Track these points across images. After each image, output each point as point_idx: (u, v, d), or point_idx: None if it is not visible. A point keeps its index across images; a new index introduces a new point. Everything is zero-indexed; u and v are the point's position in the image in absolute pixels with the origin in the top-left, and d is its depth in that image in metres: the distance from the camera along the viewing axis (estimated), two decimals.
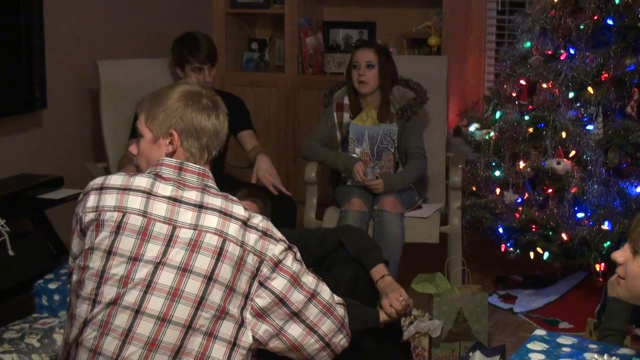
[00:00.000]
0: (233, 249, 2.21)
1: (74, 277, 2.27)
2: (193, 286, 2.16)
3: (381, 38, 5.42)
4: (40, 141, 4.32)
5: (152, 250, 2.19)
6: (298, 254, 2.32)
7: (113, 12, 4.74)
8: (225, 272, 2.19)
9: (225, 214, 2.24)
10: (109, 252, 2.19)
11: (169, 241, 2.19)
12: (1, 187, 3.84)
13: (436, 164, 4.55)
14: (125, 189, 2.25)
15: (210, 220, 2.22)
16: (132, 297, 2.15)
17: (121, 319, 2.15)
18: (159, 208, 2.22)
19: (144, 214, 2.21)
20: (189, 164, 2.30)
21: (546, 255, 3.95)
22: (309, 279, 2.32)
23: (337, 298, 2.40)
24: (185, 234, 2.20)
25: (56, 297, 3.37)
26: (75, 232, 2.29)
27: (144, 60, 4.61)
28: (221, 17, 5.60)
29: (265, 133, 5.37)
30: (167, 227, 2.20)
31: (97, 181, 2.29)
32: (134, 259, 2.18)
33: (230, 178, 4.35)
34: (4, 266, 3.50)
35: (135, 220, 2.21)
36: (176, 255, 2.18)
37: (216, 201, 2.26)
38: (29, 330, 3.06)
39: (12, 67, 4.05)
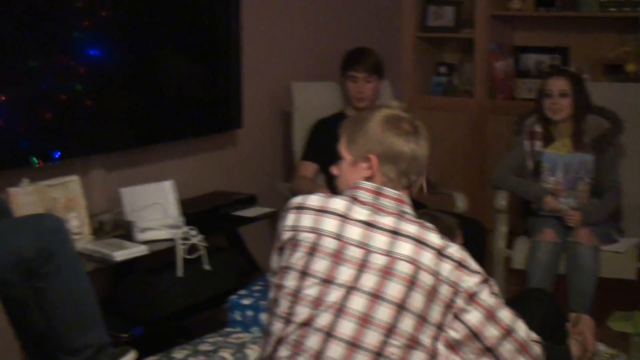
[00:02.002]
0: (426, 278, 2.17)
1: (271, 294, 2.31)
2: (384, 313, 2.14)
3: (574, 64, 5.29)
4: (234, 160, 4.46)
5: (345, 273, 2.19)
6: (495, 287, 2.25)
7: (306, 36, 4.85)
8: (417, 301, 2.16)
9: (419, 242, 2.21)
10: (303, 273, 2.21)
11: (362, 266, 2.19)
12: (198, 204, 3.98)
13: (633, 196, 4.37)
14: (322, 211, 2.26)
15: (404, 248, 2.20)
16: (324, 319, 2.16)
17: (313, 341, 2.16)
18: (353, 232, 2.22)
19: (338, 237, 2.22)
20: (387, 188, 2.29)
21: None
22: (506, 314, 2.25)
23: (533, 335, 2.33)
24: (378, 260, 2.19)
25: (249, 312, 3.46)
26: (275, 248, 2.34)
27: (334, 83, 4.68)
28: (410, 41, 5.62)
29: (451, 158, 5.34)
30: (360, 251, 2.20)
31: (297, 200, 2.32)
32: (327, 281, 2.19)
33: (416, 202, 4.32)
34: (200, 280, 3.63)
35: (329, 243, 2.22)
36: (368, 280, 2.17)
37: (411, 228, 2.23)
38: (223, 344, 3.15)
39: (211, 88, 4.22)
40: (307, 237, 2.24)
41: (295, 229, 2.27)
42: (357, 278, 2.17)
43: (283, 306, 2.22)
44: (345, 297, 2.16)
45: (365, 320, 2.14)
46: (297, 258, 2.23)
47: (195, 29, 4.10)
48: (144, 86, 3.89)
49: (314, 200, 2.30)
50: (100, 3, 3.62)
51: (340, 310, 2.15)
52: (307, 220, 2.26)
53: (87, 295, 2.51)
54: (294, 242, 2.25)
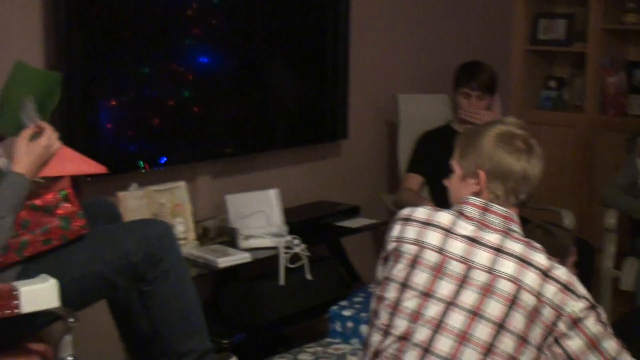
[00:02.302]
0: (528, 299, 2.12)
1: (372, 305, 2.30)
2: (482, 331, 2.10)
3: None
4: (339, 170, 4.46)
5: (445, 288, 2.16)
6: (603, 315, 2.17)
7: (414, 47, 4.82)
8: (517, 321, 2.10)
9: (523, 261, 2.15)
10: (404, 285, 2.20)
11: (462, 281, 2.15)
12: (302, 213, 3.99)
13: None
14: (426, 224, 2.24)
15: (506, 266, 2.15)
16: (422, 334, 2.13)
17: (411, 356, 2.13)
18: (456, 246, 2.19)
19: (440, 250, 2.19)
20: (495, 205, 2.25)
21: None
22: (611, 345, 2.16)
23: None
24: (479, 277, 2.15)
25: (349, 324, 3.44)
26: (380, 259, 2.33)
27: (441, 95, 4.63)
28: (520, 54, 5.53)
29: (559, 174, 5.22)
30: (461, 266, 2.17)
31: (405, 211, 2.31)
32: (426, 295, 2.16)
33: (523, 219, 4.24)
34: (301, 289, 3.64)
35: (430, 256, 2.19)
36: (468, 297, 2.14)
37: (516, 247, 2.18)
38: (323, 354, 3.14)
39: (318, 98, 4.23)
40: (409, 249, 2.23)
41: (400, 240, 2.26)
42: (456, 293, 2.15)
43: (382, 318, 2.21)
44: (444, 313, 2.14)
45: (463, 337, 2.11)
46: (399, 270, 2.22)
47: (304, 38, 4.12)
48: (251, 94, 3.93)
49: (420, 212, 2.28)
50: (210, 11, 3.67)
51: (438, 326, 2.13)
52: (411, 232, 2.25)
53: (192, 301, 2.53)
54: (397, 254, 2.24)
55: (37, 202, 2.35)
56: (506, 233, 2.21)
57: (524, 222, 3.89)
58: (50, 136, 2.31)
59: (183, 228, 3.43)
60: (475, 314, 2.12)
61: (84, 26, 3.17)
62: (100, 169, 2.48)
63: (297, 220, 3.81)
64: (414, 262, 2.20)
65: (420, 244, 2.21)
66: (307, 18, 4.12)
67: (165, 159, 3.53)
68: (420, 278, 2.18)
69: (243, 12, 3.82)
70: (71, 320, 2.26)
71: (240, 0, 3.80)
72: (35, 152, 2.27)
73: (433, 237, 2.21)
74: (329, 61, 4.21)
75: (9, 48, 3.11)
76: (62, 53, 3.14)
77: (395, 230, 2.29)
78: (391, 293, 2.21)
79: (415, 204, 3.74)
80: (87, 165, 2.46)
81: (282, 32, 4.00)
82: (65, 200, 2.38)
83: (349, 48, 4.25)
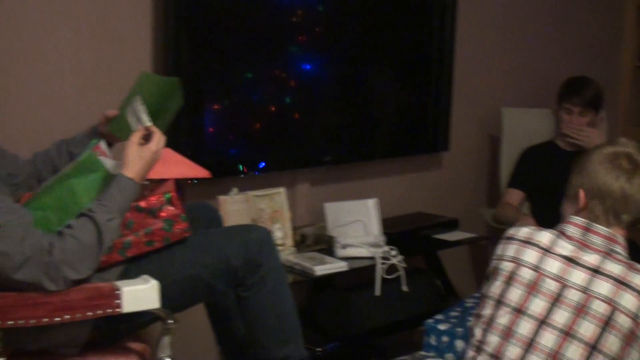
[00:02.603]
0: (623, 321, 2.09)
1: (469, 323, 2.29)
2: (574, 352, 2.08)
3: None
4: (438, 182, 4.42)
5: (537, 305, 2.16)
6: None
7: (519, 60, 4.75)
8: (612, 343, 2.08)
9: (620, 283, 2.11)
10: (499, 302, 2.22)
11: (556, 300, 2.14)
12: (400, 224, 3.97)
13: None
14: (526, 242, 2.25)
15: (602, 287, 2.12)
16: (513, 353, 2.14)
17: None
18: (552, 265, 2.19)
19: (536, 268, 2.19)
20: (598, 225, 2.22)
21: None
22: None
23: None
24: (573, 296, 2.13)
25: (444, 338, 3.39)
26: (485, 277, 2.36)
27: (546, 110, 4.55)
28: (629, 70, 5.40)
29: None
30: (555, 284, 2.16)
31: (510, 231, 2.33)
32: (518, 311, 2.17)
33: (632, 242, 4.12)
34: (397, 300, 3.62)
35: (525, 273, 2.20)
36: (560, 316, 2.12)
37: (615, 268, 2.14)
38: None
39: (420, 109, 4.20)
40: (507, 266, 2.25)
41: (500, 258, 2.29)
42: (549, 311, 2.15)
43: (477, 334, 2.24)
44: (536, 332, 2.14)
45: (554, 357, 2.11)
46: (496, 287, 2.25)
47: (409, 49, 4.10)
48: (352, 103, 3.92)
49: (522, 232, 2.29)
50: (315, 19, 3.68)
51: (530, 345, 2.13)
52: (510, 250, 2.27)
53: (289, 307, 2.54)
54: (496, 271, 2.27)
55: (142, 204, 2.39)
56: (607, 254, 2.18)
57: (634, 245, 3.80)
58: (159, 141, 2.35)
59: (281, 234, 3.45)
60: (567, 334, 2.11)
61: (192, 31, 3.22)
62: (205, 174, 2.51)
63: (394, 231, 3.79)
64: (510, 279, 2.22)
65: (517, 262, 2.23)
66: (412, 29, 4.10)
67: (264, 164, 3.55)
68: (515, 294, 2.20)
69: (348, 21, 3.83)
70: (170, 321, 2.29)
71: (345, 9, 3.81)
72: (145, 157, 2.31)
73: (530, 255, 2.22)
74: (434, 72, 4.18)
75: (120, 51, 3.19)
76: (170, 57, 3.19)
77: (499, 249, 2.32)
78: (487, 310, 2.24)
79: (515, 219, 3.73)
80: (191, 169, 2.50)
81: (387, 42, 3.98)
82: (169, 203, 2.41)
83: (454, 59, 4.22)
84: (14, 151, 2.55)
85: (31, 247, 2.12)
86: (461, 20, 4.23)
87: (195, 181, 2.66)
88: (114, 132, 2.50)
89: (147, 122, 2.35)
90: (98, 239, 2.21)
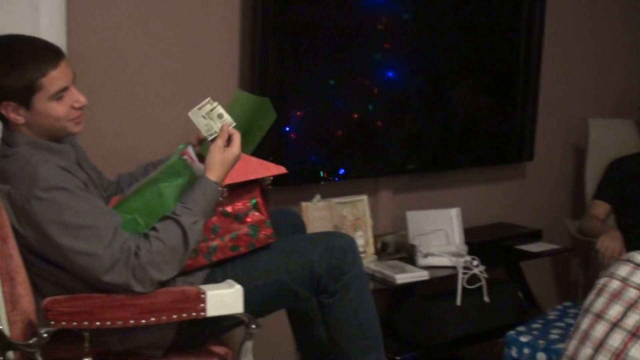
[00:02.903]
0: None
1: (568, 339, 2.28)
2: (637, 351, 2.05)
3: None
4: (522, 192, 4.37)
5: (614, 310, 2.13)
6: None
7: (606, 71, 4.68)
8: None
9: None
10: (597, 316, 2.18)
11: (632, 305, 2.10)
12: (482, 234, 3.93)
13: None
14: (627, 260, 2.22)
15: None
16: (584, 355, 2.13)
17: None
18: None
19: (624, 280, 2.15)
20: None
21: None
22: None
23: None
24: None
25: (526, 350, 3.35)
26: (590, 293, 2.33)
27: (634, 121, 4.46)
28: None
29: None
30: (635, 292, 2.12)
31: (631, 253, 2.29)
32: (597, 316, 2.15)
33: None
34: (478, 311, 3.58)
35: (613, 284, 2.17)
36: (630, 318, 2.09)
37: None
38: None
39: (505, 118, 4.15)
40: (614, 284, 2.20)
41: (611, 275, 2.23)
42: (623, 315, 2.11)
43: (570, 348, 2.20)
44: (607, 334, 2.11)
45: (618, 356, 2.08)
46: (600, 302, 2.20)
47: (495, 58, 4.06)
48: (436, 111, 3.90)
49: None
50: (401, 27, 3.67)
51: (600, 345, 2.11)
52: (623, 271, 2.21)
53: (371, 316, 2.53)
54: (601, 288, 2.22)
55: (228, 208, 2.41)
56: None
57: None
58: (239, 143, 2.36)
59: (362, 242, 3.44)
60: (634, 335, 2.08)
61: (279, 38, 3.24)
62: (281, 170, 2.52)
63: (476, 240, 3.76)
64: (600, 291, 2.18)
65: (611, 276, 2.19)
66: (499, 38, 4.06)
67: (343, 170, 3.55)
68: (599, 303, 2.17)
69: (433, 29, 3.81)
70: (253, 326, 2.30)
71: (431, 17, 3.79)
72: (228, 160, 2.33)
73: (623, 270, 2.18)
74: (520, 82, 4.13)
75: (208, 57, 3.24)
76: (257, 63, 3.22)
77: (612, 267, 2.27)
78: (584, 324, 2.20)
79: (601, 232, 3.66)
80: (268, 169, 2.51)
81: (473, 51, 3.96)
82: (255, 208, 2.43)
83: (540, 69, 4.16)
84: (102, 164, 2.61)
85: (120, 249, 2.16)
86: (548, 30, 4.18)
87: (272, 185, 2.65)
88: (203, 154, 2.52)
89: (231, 121, 2.36)
90: (183, 241, 2.24)
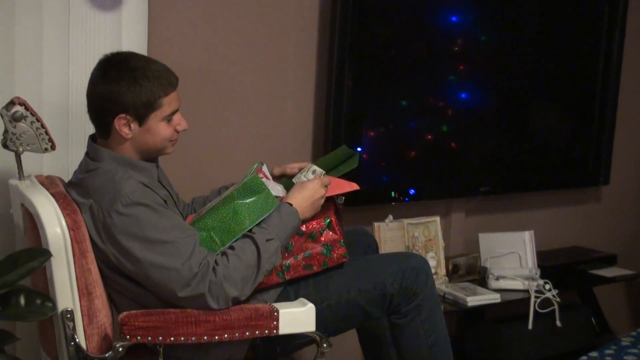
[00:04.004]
0: None
1: None
2: None
3: None
4: (597, 216, 4.31)
5: None
6: None
7: None
8: None
9: None
10: None
11: None
12: (555, 257, 3.90)
13: None
14: None
15: None
16: None
17: None
18: None
19: None
20: None
21: None
22: None
23: None
24: None
25: None
26: None
27: None
28: None
29: None
30: None
31: None
32: None
33: None
34: (549, 335, 3.54)
35: None
36: None
37: None
38: None
39: (582, 142, 4.11)
40: None
41: None
42: None
43: None
44: None
45: None
46: None
47: (571, 80, 4.02)
48: (510, 133, 3.88)
49: None
50: (477, 48, 3.67)
51: None
52: None
53: (442, 338, 2.52)
54: None
55: (302, 227, 2.43)
56: None
57: None
58: (326, 191, 2.44)
59: (434, 263, 3.44)
60: None
61: (355, 59, 3.25)
62: (353, 187, 2.54)
63: (549, 264, 3.74)
64: None
65: None
66: (576, 60, 4.02)
67: (414, 191, 3.55)
68: None
69: (509, 51, 3.80)
70: (325, 345, 2.32)
71: (507, 39, 3.78)
72: (315, 199, 2.42)
73: None
74: (597, 105, 4.08)
75: (285, 77, 3.28)
76: (333, 83, 3.25)
77: None
78: None
79: None
80: (341, 186, 2.53)
81: (549, 74, 3.93)
82: (329, 228, 2.45)
83: (618, 92, 4.11)
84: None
85: (199, 265, 2.20)
86: (627, 53, 4.12)
87: (343, 204, 2.68)
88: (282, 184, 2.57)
89: (321, 172, 2.49)
90: (257, 259, 2.27)
